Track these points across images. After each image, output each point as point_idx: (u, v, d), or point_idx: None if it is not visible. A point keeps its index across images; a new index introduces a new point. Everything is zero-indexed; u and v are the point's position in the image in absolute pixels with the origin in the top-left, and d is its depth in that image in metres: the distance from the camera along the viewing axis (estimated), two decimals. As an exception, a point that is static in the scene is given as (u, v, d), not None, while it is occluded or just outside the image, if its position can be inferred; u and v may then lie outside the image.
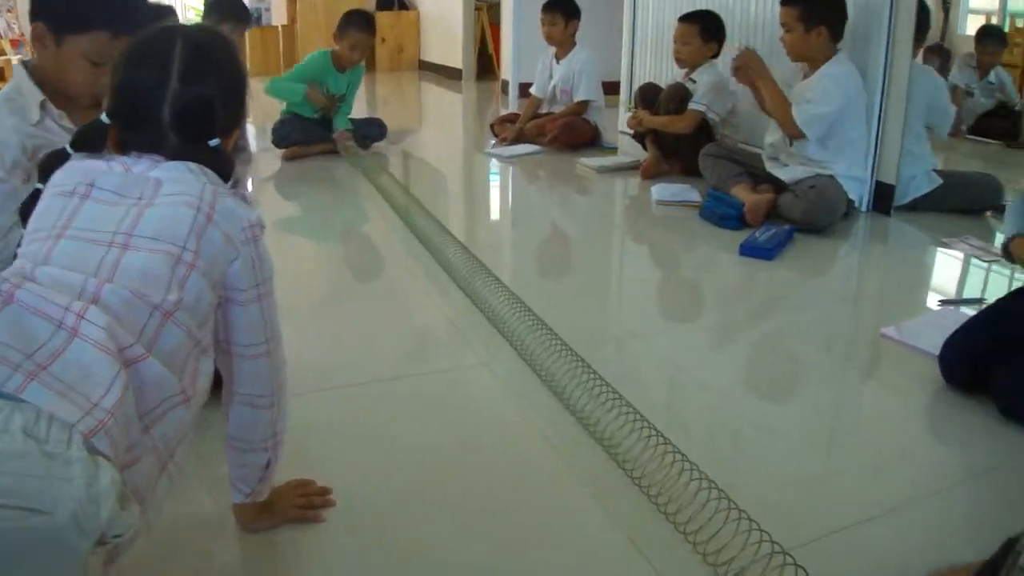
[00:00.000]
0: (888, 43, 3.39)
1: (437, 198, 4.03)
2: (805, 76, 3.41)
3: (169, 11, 3.68)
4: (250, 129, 4.96)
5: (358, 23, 4.54)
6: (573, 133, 4.85)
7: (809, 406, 2.08)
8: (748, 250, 3.00)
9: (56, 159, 1.20)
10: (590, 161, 4.51)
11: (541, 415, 1.92)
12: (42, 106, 1.66)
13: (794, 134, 3.36)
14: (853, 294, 2.92)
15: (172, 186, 1.15)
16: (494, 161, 4.79)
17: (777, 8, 3.47)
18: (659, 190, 3.80)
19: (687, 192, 3.75)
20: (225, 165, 1.25)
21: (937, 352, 2.09)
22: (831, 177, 3.33)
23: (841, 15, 3.34)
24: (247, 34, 4.73)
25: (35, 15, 1.65)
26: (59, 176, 1.17)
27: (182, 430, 1.07)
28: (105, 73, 1.63)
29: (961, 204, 3.61)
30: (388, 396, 2.02)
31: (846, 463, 1.82)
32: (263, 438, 1.32)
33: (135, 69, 1.20)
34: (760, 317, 2.64)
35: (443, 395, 2.03)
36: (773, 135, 3.55)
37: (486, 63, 8.73)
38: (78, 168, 1.17)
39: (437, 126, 6.55)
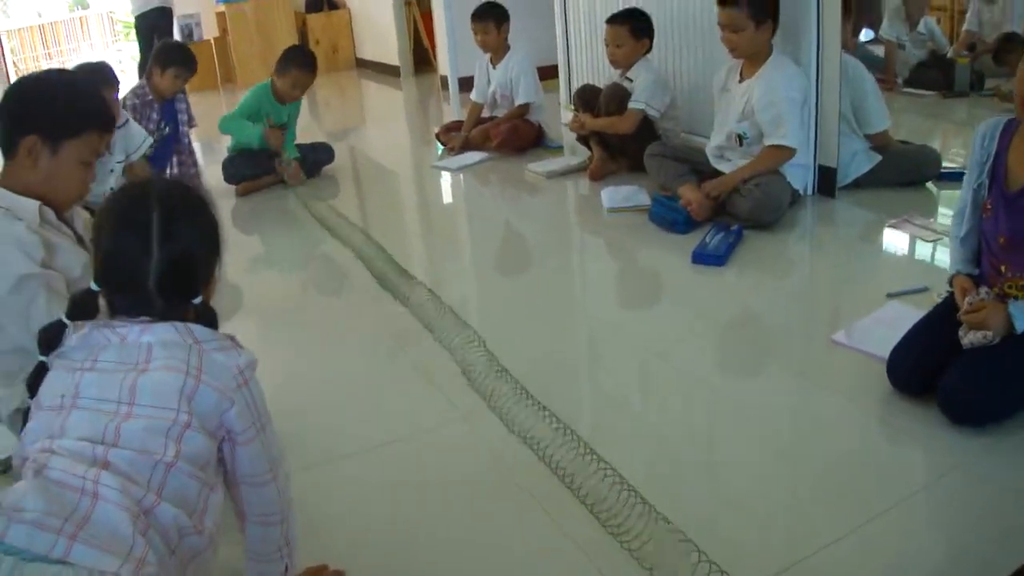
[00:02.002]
0: (818, 32, 3.46)
1: (391, 227, 4.06)
2: (742, 78, 3.47)
3: (103, 68, 3.67)
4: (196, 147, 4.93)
5: (300, 63, 4.51)
6: (518, 137, 4.90)
7: (765, 426, 2.14)
8: (699, 258, 3.08)
9: (55, 331, 1.29)
10: (538, 167, 4.55)
11: (523, 469, 1.98)
12: (39, 211, 1.76)
13: (789, 157, 3.40)
14: (804, 294, 3.02)
15: (162, 351, 1.25)
16: (444, 175, 4.83)
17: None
18: (609, 196, 3.85)
19: (636, 195, 3.80)
20: (211, 317, 1.34)
21: (886, 355, 2.19)
22: (775, 172, 3.40)
23: (777, 7, 3.39)
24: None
25: (27, 129, 1.73)
26: (67, 354, 1.28)
27: (192, 553, 1.20)
28: (92, 172, 1.83)
29: (903, 178, 3.71)
30: (377, 464, 2.08)
31: (805, 485, 1.90)
32: (277, 548, 1.43)
33: (117, 241, 1.28)
34: (713, 331, 2.69)
35: (430, 457, 2.09)
36: (718, 137, 3.61)
37: (422, 55, 8.70)
38: (83, 347, 1.27)
39: (382, 136, 6.52)
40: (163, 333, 1.26)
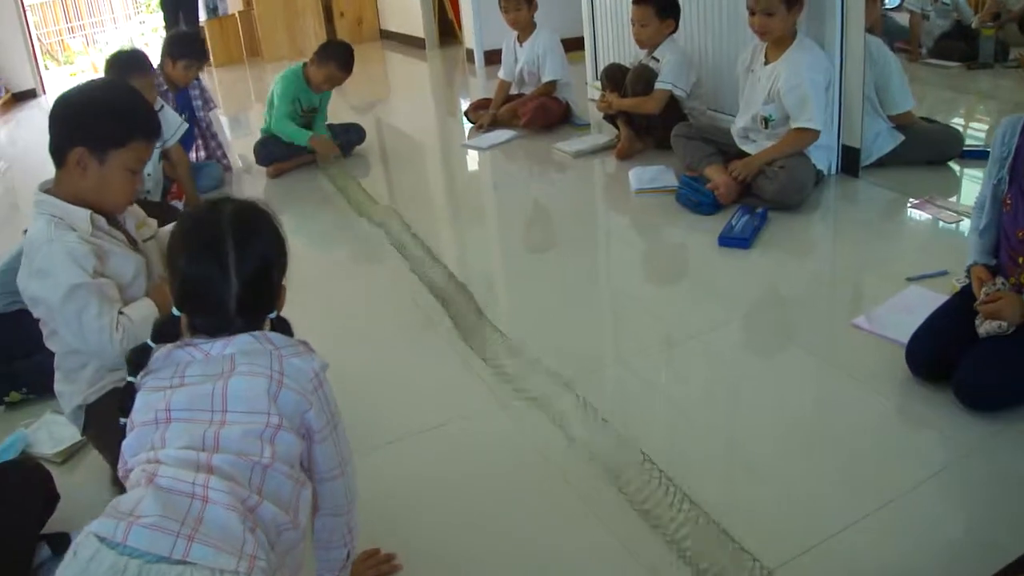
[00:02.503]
0: (842, 14, 3.51)
1: (422, 207, 4.17)
2: (767, 61, 3.51)
3: (137, 57, 3.75)
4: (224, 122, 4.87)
5: (341, 62, 4.63)
6: (546, 114, 4.97)
7: (786, 410, 2.23)
8: (725, 241, 3.17)
9: (142, 353, 1.39)
10: (566, 146, 4.63)
11: (561, 456, 2.10)
12: (91, 219, 1.86)
13: (814, 139, 3.47)
14: (827, 277, 3.11)
15: (244, 359, 1.34)
16: (472, 153, 4.92)
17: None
18: (636, 176, 3.93)
19: (663, 176, 3.89)
20: (285, 327, 1.45)
21: (905, 341, 2.28)
22: (800, 154, 3.47)
23: None
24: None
25: (74, 141, 1.82)
26: (155, 373, 1.37)
27: (289, 546, 1.31)
28: (139, 178, 1.92)
29: (926, 157, 3.77)
30: (420, 451, 2.19)
31: (824, 468, 1.99)
32: (342, 536, 1.55)
33: (194, 268, 1.37)
34: (738, 315, 2.76)
35: (471, 445, 2.20)
36: (744, 119, 3.67)
37: (447, 27, 8.73)
38: (168, 366, 1.37)
39: (409, 111, 6.57)
40: (244, 344, 1.36)
